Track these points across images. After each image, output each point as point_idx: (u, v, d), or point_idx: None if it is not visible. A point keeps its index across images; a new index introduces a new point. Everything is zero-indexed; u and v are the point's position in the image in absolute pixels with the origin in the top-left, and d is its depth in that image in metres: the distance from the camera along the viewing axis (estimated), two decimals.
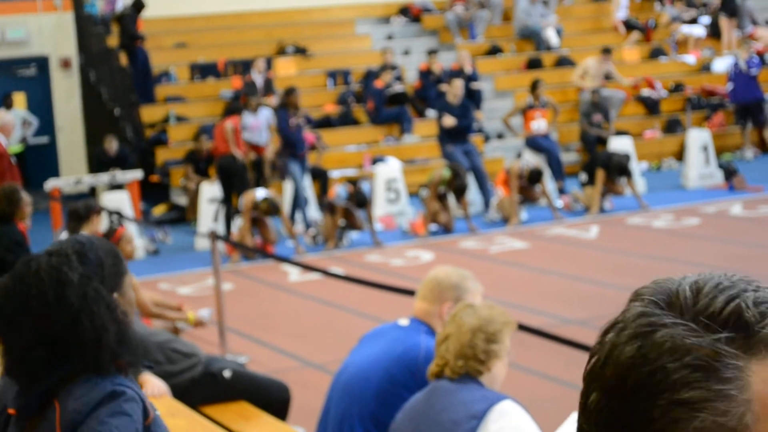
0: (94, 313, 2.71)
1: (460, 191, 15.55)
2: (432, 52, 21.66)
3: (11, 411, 2.74)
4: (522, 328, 6.43)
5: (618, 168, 16.30)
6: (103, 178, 17.11)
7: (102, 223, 10.39)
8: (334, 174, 18.28)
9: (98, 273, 2.80)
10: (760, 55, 23.95)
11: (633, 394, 1.21)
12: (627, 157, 16.67)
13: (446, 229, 15.66)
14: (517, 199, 16.09)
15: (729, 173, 18.26)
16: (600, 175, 16.21)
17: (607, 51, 21.85)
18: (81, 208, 10.24)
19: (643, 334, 1.22)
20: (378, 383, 4.99)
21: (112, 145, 18.77)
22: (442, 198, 15.73)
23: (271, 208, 14.64)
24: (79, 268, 2.75)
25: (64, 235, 10.12)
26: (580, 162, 19.94)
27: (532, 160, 16.68)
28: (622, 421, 1.22)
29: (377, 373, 5.01)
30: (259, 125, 17.44)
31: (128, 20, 20.59)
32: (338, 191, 15.14)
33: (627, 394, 1.22)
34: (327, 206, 15.31)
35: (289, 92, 16.60)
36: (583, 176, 16.78)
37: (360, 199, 14.97)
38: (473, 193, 16.80)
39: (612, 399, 1.24)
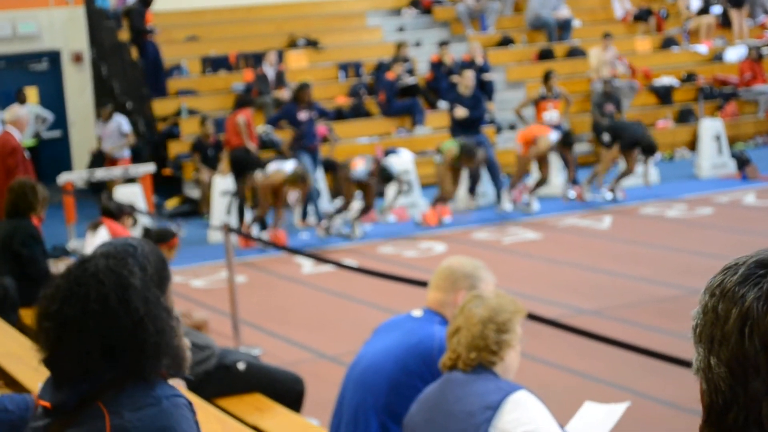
0: (156, 317, 2.70)
1: (469, 158, 15.57)
2: (443, 44, 21.64)
3: (44, 403, 2.72)
4: (536, 318, 6.42)
5: (648, 147, 16.37)
6: (116, 171, 17.13)
7: (130, 225, 10.51)
8: None
9: (151, 277, 2.78)
10: None
11: None
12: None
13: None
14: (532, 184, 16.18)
15: (742, 163, 18.22)
16: (615, 148, 16.44)
17: (607, 36, 21.83)
18: (114, 206, 10.44)
19: None
20: (392, 374, 4.98)
21: None
22: (455, 174, 15.73)
23: (299, 177, 14.57)
24: (137, 272, 2.74)
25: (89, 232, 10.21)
26: (593, 152, 19.94)
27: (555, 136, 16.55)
28: None
29: (391, 364, 5.00)
30: (109, 133, 18.72)
31: (135, 14, 20.63)
32: (359, 166, 15.03)
33: None
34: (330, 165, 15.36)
35: (301, 87, 16.67)
36: (606, 137, 16.76)
37: (386, 175, 14.90)
38: (485, 185, 16.79)
39: None
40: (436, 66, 21.29)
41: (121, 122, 18.77)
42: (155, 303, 2.71)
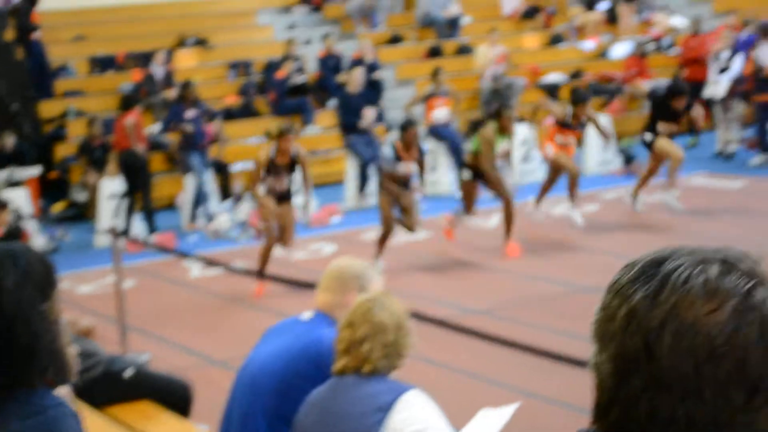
0: (29, 320, 2.65)
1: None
2: (327, 36, 21.67)
3: None
4: (425, 319, 6.44)
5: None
6: (1, 174, 16.82)
7: (7, 219, 10.30)
8: (236, 167, 18.18)
9: (31, 281, 2.73)
10: (657, 39, 24.30)
11: None
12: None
13: None
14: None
15: (627, 159, 18.47)
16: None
17: (493, 32, 21.97)
18: None
19: None
20: (282, 378, 4.97)
21: (9, 141, 18.44)
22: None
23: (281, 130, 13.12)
24: (12, 274, 2.69)
25: None
26: None
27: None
28: None
29: (281, 367, 4.99)
30: None
31: (22, 12, 20.30)
32: (384, 152, 13.60)
33: None
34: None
35: (185, 86, 16.76)
36: (648, 136, 15.38)
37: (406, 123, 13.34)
38: (375, 185, 16.75)
39: None
40: (324, 62, 21.27)
41: None
42: (29, 306, 2.67)
